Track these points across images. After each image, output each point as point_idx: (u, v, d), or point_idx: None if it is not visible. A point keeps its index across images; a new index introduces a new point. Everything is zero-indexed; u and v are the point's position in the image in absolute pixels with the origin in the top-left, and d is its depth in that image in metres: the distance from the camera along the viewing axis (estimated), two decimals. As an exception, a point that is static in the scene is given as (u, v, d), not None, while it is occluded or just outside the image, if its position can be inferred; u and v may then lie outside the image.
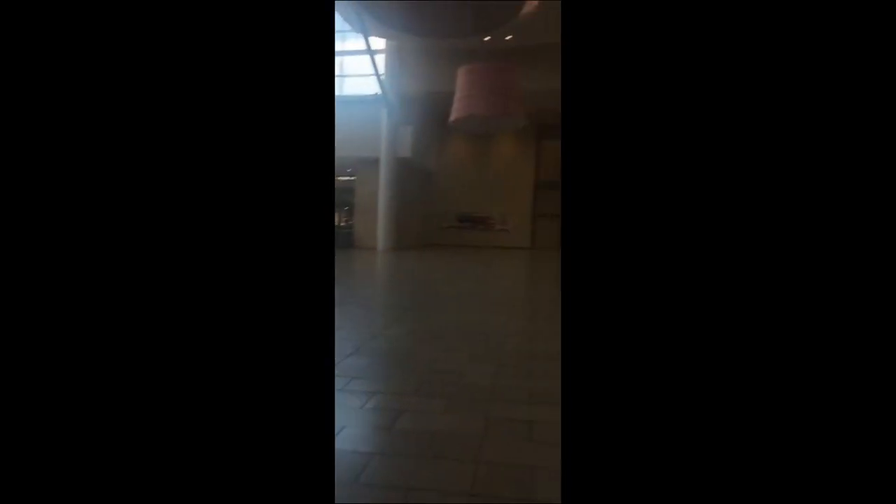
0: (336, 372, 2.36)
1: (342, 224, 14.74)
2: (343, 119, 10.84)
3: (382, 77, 12.37)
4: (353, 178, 14.08)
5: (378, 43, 12.52)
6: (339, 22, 10.51)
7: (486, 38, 10.92)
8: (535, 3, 9.50)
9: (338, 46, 12.66)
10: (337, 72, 13.16)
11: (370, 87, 12.88)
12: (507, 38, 11.27)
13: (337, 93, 12.32)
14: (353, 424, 1.77)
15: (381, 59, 12.72)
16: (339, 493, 1.30)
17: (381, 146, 12.96)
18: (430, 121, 14.37)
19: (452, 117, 7.06)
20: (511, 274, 8.10)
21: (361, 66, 13.21)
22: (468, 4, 7.43)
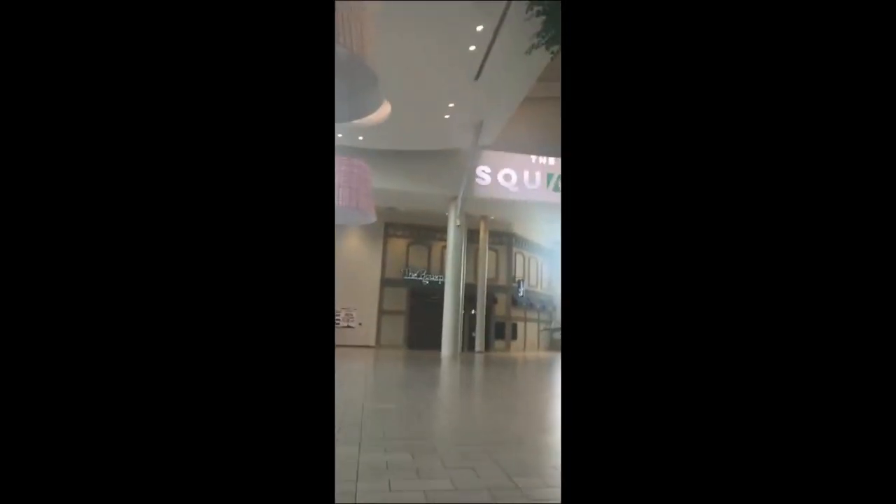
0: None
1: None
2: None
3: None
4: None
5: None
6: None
7: (339, 136, 11.09)
8: (387, 111, 10.07)
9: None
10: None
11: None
12: (360, 138, 11.64)
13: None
14: None
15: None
16: None
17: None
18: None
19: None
20: (354, 387, 7.39)
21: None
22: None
